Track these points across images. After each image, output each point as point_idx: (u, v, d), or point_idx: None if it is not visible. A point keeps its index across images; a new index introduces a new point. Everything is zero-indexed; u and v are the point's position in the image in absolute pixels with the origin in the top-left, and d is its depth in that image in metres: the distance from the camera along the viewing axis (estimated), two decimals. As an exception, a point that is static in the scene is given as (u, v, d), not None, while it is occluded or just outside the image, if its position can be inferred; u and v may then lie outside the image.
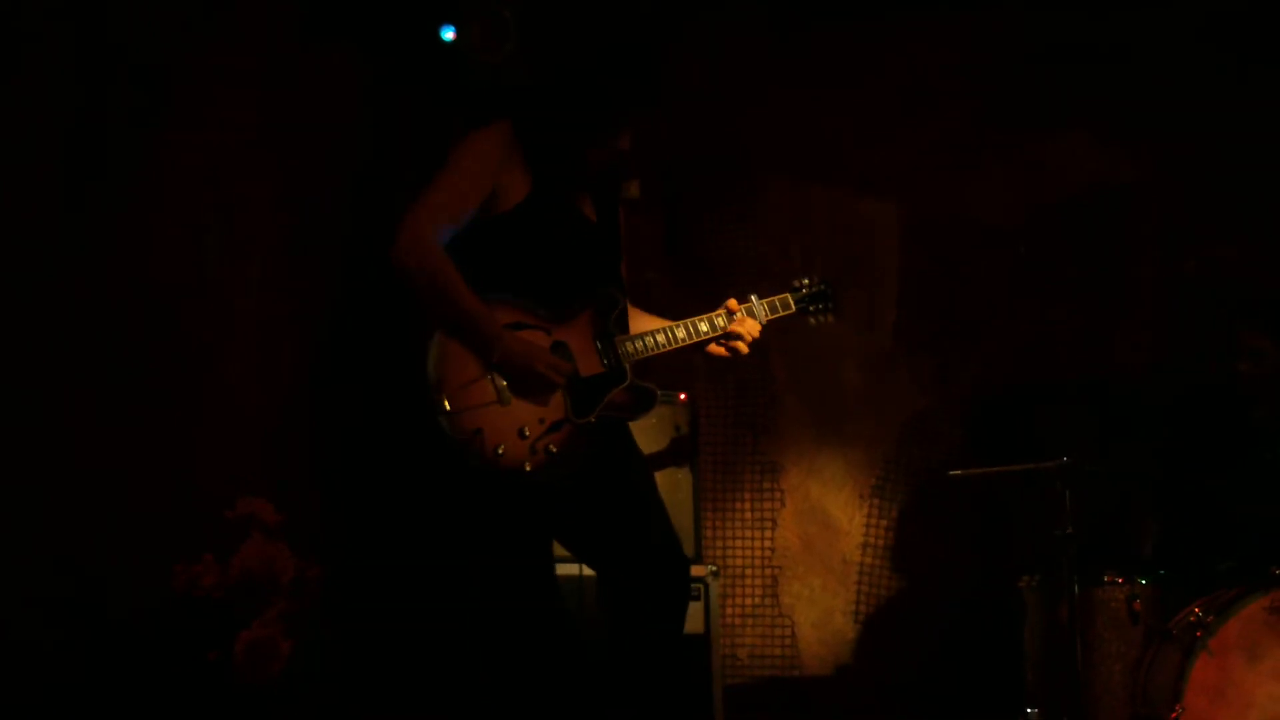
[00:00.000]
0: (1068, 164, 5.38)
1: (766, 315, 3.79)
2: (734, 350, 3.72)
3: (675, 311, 3.71)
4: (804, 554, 5.39)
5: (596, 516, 3.48)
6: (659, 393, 3.59)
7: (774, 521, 5.41)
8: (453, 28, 4.79)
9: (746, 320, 3.72)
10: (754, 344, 3.75)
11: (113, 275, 4.33)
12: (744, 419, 5.44)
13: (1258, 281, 5.00)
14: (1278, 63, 5.17)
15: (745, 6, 5.43)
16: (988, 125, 5.42)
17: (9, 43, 4.13)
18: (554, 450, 3.36)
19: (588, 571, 3.71)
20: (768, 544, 5.41)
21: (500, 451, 3.30)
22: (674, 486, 4.66)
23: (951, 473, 4.64)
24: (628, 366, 3.51)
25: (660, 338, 3.60)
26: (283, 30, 4.66)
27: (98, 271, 4.29)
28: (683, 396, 4.79)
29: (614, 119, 3.49)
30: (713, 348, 3.73)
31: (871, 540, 5.39)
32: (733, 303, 3.74)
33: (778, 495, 5.42)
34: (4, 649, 4.05)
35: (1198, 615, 4.04)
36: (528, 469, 3.33)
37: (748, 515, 5.42)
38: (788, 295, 3.87)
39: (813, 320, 3.94)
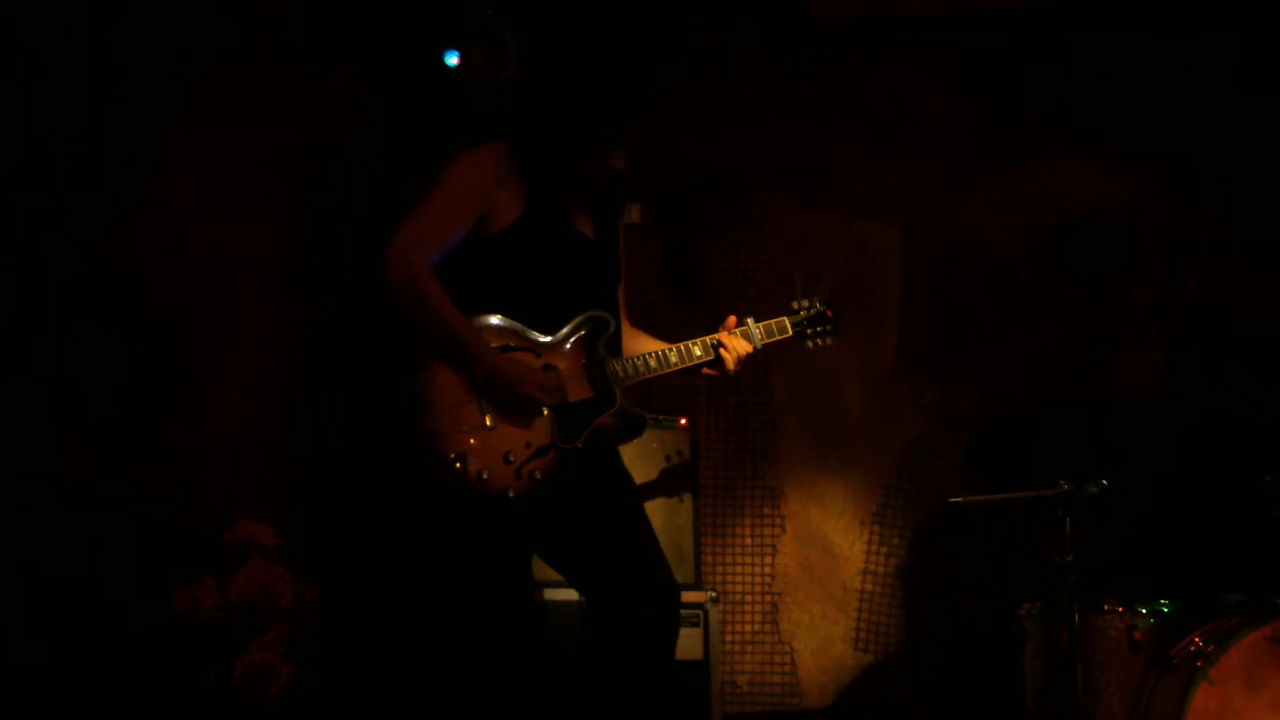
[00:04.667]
0: (1068, 186, 5.37)
1: (761, 340, 3.74)
2: (720, 364, 3.66)
3: (675, 333, 3.70)
4: (804, 580, 5.38)
5: (582, 542, 3.45)
6: (649, 417, 3.57)
7: (774, 548, 5.40)
8: (456, 53, 4.81)
9: (738, 339, 3.68)
10: (751, 362, 3.72)
11: (109, 289, 4.33)
12: (744, 444, 5.43)
13: (1257, 307, 4.99)
14: (1278, 86, 5.18)
15: (747, 23, 5.44)
16: (989, 146, 5.42)
17: (11, 51, 4.14)
18: (539, 476, 3.34)
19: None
20: (768, 570, 5.39)
21: (485, 477, 3.27)
22: (674, 512, 4.66)
23: (952, 499, 4.63)
24: (617, 391, 3.48)
25: (652, 361, 3.56)
26: (283, 45, 4.67)
27: (94, 284, 4.29)
28: (683, 421, 4.77)
29: (613, 124, 3.46)
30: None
31: (872, 567, 5.38)
32: (731, 320, 3.72)
33: (778, 521, 5.41)
34: (2, 670, 4.04)
35: (1198, 644, 4.02)
36: (511, 495, 3.31)
37: (748, 541, 5.40)
38: (785, 319, 3.82)
39: (810, 344, 3.88)
